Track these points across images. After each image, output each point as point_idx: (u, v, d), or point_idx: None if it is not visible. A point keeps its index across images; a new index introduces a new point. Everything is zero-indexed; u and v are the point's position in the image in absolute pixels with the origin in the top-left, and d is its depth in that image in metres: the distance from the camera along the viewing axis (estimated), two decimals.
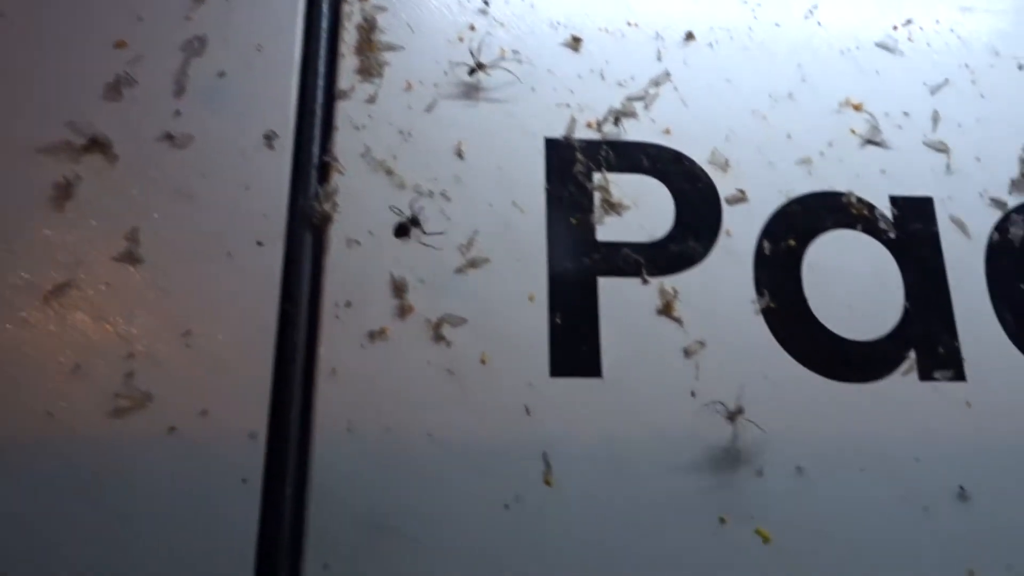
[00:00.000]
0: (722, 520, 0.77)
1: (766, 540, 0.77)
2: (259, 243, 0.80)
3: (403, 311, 0.80)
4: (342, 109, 0.85)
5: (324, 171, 0.84)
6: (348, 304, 0.79)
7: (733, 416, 0.78)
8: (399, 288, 0.80)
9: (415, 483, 0.75)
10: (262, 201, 0.81)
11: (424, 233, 0.81)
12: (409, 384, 0.78)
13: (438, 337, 0.79)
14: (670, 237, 0.86)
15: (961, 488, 0.80)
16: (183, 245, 0.79)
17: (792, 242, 0.87)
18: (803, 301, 0.85)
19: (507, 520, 0.75)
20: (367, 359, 0.78)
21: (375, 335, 0.79)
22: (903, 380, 0.83)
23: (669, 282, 0.84)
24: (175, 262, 0.79)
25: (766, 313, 0.84)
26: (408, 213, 0.81)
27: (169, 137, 0.82)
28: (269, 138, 0.83)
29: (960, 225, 0.90)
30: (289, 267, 0.80)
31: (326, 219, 0.81)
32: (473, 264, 0.82)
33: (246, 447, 0.74)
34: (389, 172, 0.84)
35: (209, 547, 0.71)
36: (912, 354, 0.84)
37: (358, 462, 0.75)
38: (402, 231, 0.81)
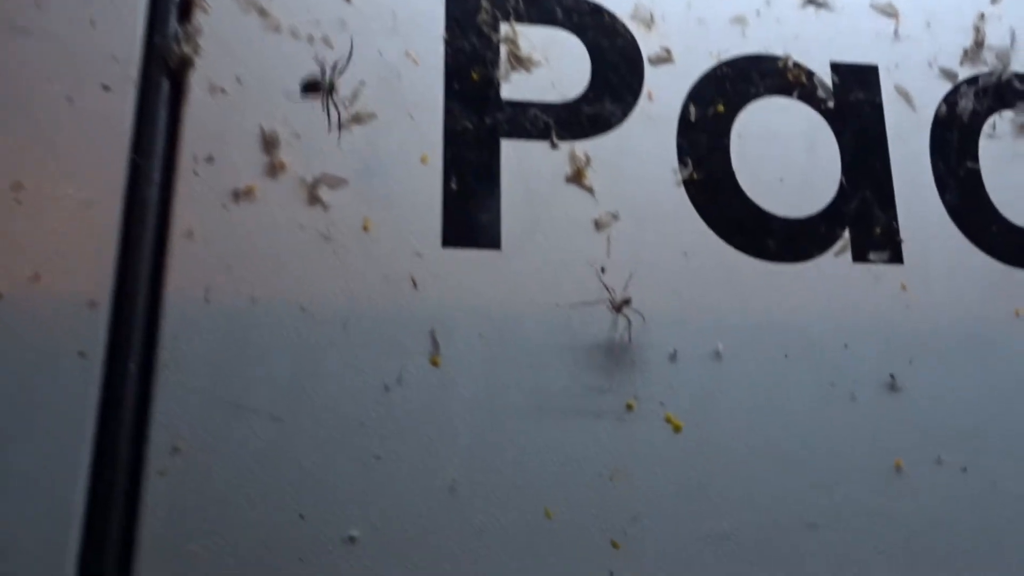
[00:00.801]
0: (628, 407, 0.69)
1: (677, 429, 0.69)
2: (105, 87, 0.69)
3: (274, 169, 0.70)
4: None
5: (185, 8, 0.72)
6: (209, 159, 0.69)
7: (619, 307, 0.69)
8: (270, 143, 0.70)
9: (282, 360, 0.66)
10: (111, 40, 0.70)
11: (332, 100, 0.70)
12: (279, 250, 0.68)
13: (314, 199, 0.69)
14: (584, 98, 0.76)
15: (892, 377, 0.73)
16: (15, 87, 0.68)
17: (721, 108, 0.78)
18: (730, 173, 0.77)
19: (386, 403, 0.66)
20: (230, 221, 0.68)
21: (240, 194, 0.69)
22: (835, 261, 0.76)
23: (581, 147, 0.75)
24: (5, 106, 0.67)
25: (688, 184, 0.75)
26: (328, 74, 0.70)
27: None
28: None
29: (905, 96, 0.81)
30: (142, 116, 0.69)
31: (186, 63, 0.70)
32: (357, 119, 0.72)
33: (84, 317, 0.64)
34: (263, 13, 0.73)
35: (40, 428, 0.62)
36: (846, 233, 0.77)
37: (216, 336, 0.65)
38: (312, 88, 0.69)
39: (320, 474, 0.64)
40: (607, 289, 0.70)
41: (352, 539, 0.63)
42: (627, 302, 0.69)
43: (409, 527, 0.64)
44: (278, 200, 0.69)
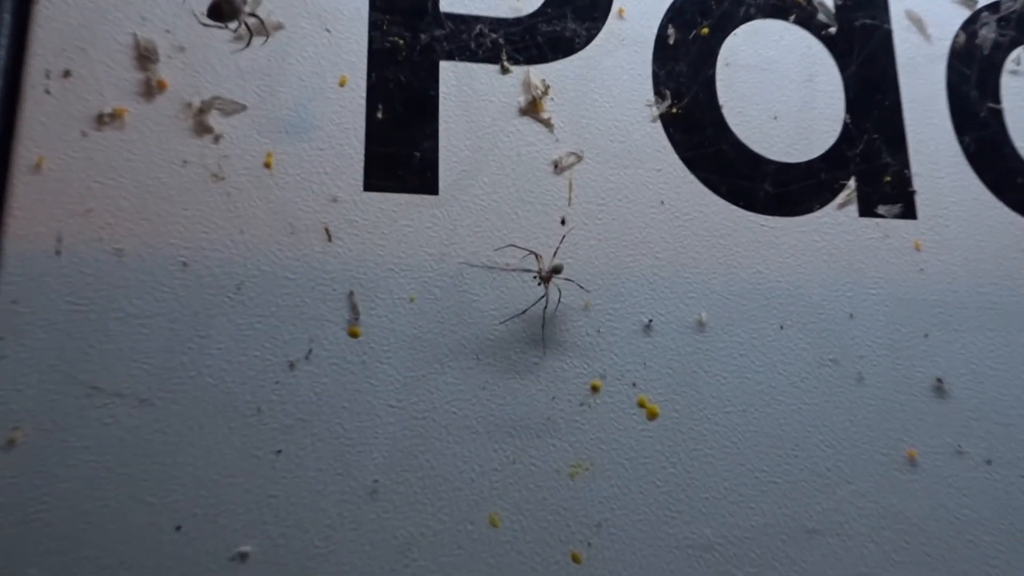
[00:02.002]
0: (594, 388, 0.56)
1: (652, 415, 0.56)
2: None
3: (150, 89, 0.55)
4: None
5: None
6: (67, 74, 0.54)
7: (545, 279, 0.56)
8: (146, 55, 0.55)
9: (156, 329, 0.52)
10: None
11: (249, 27, 0.56)
12: (154, 191, 0.54)
13: (202, 128, 0.55)
14: (542, 13, 0.63)
15: (904, 352, 0.61)
16: None
17: (705, 31, 0.65)
18: (715, 107, 0.64)
19: (290, 383, 0.52)
20: (91, 152, 0.54)
21: (105, 119, 0.54)
22: (838, 215, 0.63)
23: (538, 73, 0.61)
24: None
25: (666, 120, 0.62)
26: None
27: None
28: None
29: (918, 23, 0.69)
30: None
31: None
32: (259, 31, 0.57)
33: None
34: None
35: None
36: (851, 183, 0.64)
37: (69, 297, 0.51)
38: (217, 13, 0.54)
39: (203, 474, 0.50)
40: (533, 255, 0.57)
41: (243, 556, 0.49)
42: (556, 271, 0.56)
43: (317, 541, 0.50)
44: (155, 128, 0.55)
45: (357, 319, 0.54)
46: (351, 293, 0.55)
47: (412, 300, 0.56)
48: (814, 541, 0.56)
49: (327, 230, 0.56)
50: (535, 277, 0.56)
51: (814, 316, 0.61)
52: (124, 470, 0.49)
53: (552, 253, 0.57)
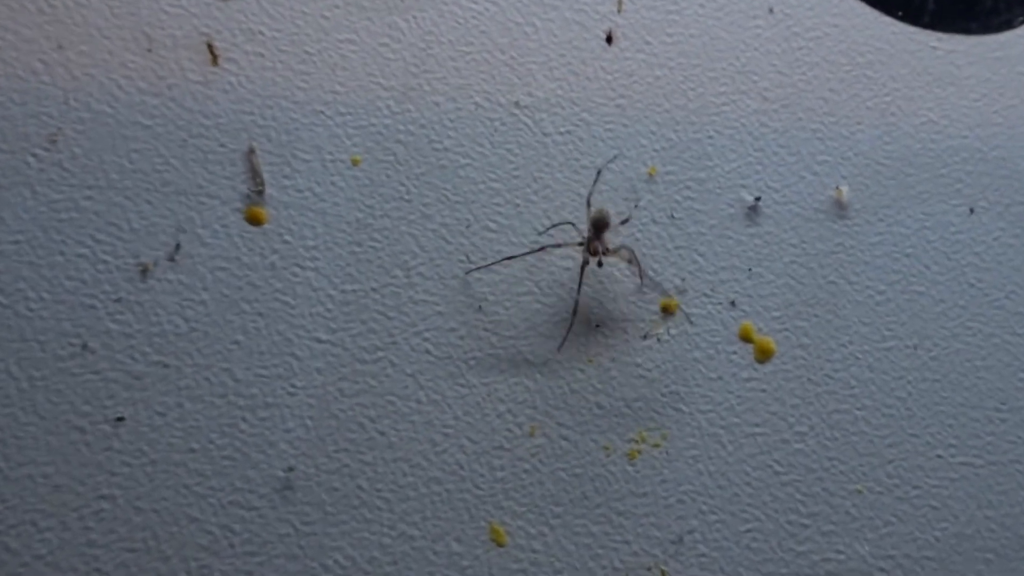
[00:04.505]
0: (665, 310, 0.33)
1: (765, 354, 0.33)
2: None
3: None
4: None
5: None
6: None
7: (592, 252, 0.33)
8: None
9: None
10: None
11: None
12: None
13: None
14: None
15: None
16: None
17: None
18: None
19: (142, 301, 0.30)
20: None
21: None
22: None
23: None
24: None
25: None
26: None
27: None
28: None
29: None
30: None
31: None
32: None
33: None
34: None
35: None
36: None
37: None
38: None
39: None
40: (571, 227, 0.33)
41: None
42: (600, 226, 0.33)
43: (196, 548, 0.28)
44: None
45: (260, 194, 0.32)
46: (250, 151, 0.32)
47: (356, 162, 0.33)
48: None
49: (210, 46, 0.33)
50: (581, 249, 0.33)
51: (1023, 194, 0.37)
52: None
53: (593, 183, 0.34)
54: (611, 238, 0.33)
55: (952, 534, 0.33)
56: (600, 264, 0.32)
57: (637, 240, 0.34)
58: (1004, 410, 0.35)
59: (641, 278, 0.33)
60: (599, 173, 0.34)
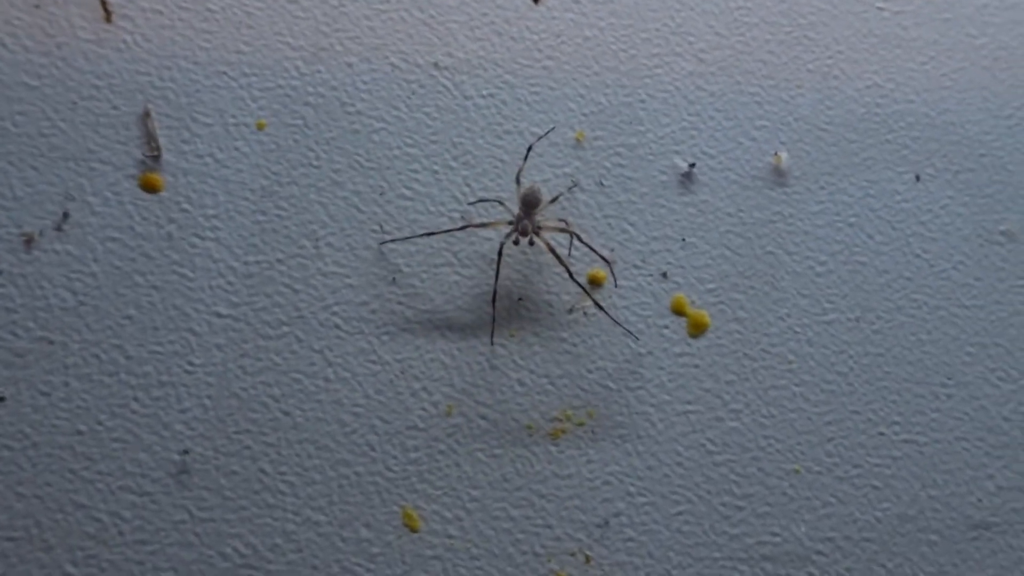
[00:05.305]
0: (594, 281, 0.31)
1: (698, 328, 0.32)
2: None
3: None
4: None
5: None
6: None
7: (521, 232, 0.31)
8: None
9: None
10: None
11: None
12: None
13: None
14: None
15: None
16: None
17: None
18: None
19: (25, 274, 0.28)
20: None
21: None
22: None
23: None
24: None
25: None
26: None
27: None
28: None
29: None
30: None
31: None
32: None
33: None
34: None
35: None
36: None
37: None
38: None
39: None
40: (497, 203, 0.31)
41: None
42: (530, 203, 0.31)
43: (83, 536, 0.26)
44: None
45: (156, 159, 0.30)
46: (146, 113, 0.30)
47: (261, 127, 0.31)
48: (982, 542, 0.31)
49: (103, 2, 0.31)
50: (509, 234, 0.31)
51: (973, 160, 0.35)
52: None
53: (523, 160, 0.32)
54: (543, 216, 0.31)
55: (894, 515, 0.32)
56: (531, 243, 0.30)
57: (564, 209, 0.32)
58: (950, 385, 0.33)
59: (593, 250, 0.31)
60: (529, 149, 0.32)
